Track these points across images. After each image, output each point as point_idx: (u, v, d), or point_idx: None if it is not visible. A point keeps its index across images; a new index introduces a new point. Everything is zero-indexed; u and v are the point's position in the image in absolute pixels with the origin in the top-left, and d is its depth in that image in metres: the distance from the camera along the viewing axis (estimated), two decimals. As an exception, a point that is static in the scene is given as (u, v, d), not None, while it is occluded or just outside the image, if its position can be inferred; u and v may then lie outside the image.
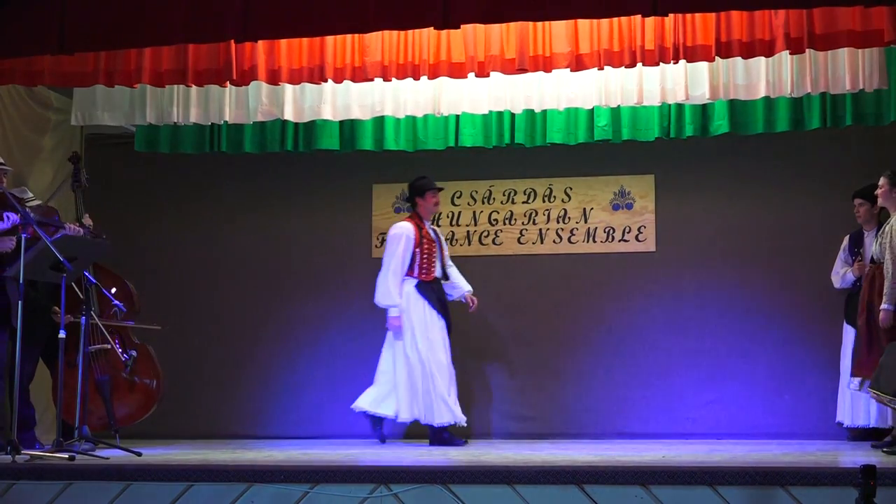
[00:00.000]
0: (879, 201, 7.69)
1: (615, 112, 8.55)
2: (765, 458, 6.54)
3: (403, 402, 8.24)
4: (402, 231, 8.39)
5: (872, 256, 7.64)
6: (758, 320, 8.94)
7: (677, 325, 9.00)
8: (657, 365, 9.03)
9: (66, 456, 6.39)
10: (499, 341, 9.36)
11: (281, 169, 9.72)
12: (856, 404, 8.22)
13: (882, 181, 7.63)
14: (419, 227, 8.43)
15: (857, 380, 7.61)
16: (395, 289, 8.31)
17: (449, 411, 8.17)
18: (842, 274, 8.40)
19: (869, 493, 4.80)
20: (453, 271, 8.67)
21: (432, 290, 8.40)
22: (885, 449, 6.94)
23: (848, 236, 8.50)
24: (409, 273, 8.37)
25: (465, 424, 8.31)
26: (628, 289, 9.18)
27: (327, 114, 8.43)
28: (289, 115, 8.42)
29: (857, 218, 8.34)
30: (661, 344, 9.05)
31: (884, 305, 7.26)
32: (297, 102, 8.41)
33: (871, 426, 8.17)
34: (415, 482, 5.61)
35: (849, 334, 8.23)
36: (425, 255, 8.40)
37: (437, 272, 8.48)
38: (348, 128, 8.90)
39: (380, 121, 8.80)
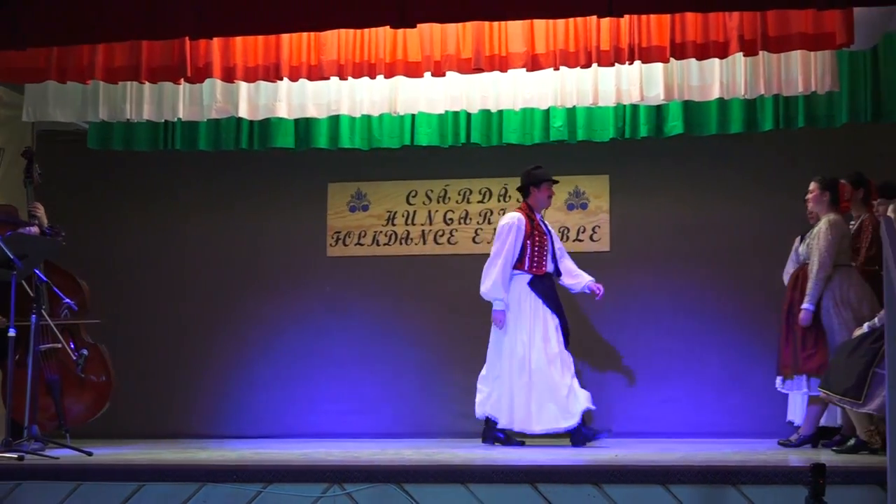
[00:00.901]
0: (810, 206, 7.82)
1: (571, 112, 8.58)
2: (716, 456, 6.59)
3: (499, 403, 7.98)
4: (513, 221, 8.08)
5: (800, 257, 7.78)
6: (710, 320, 8.99)
7: (630, 325, 9.05)
8: (610, 364, 9.07)
9: (15, 456, 6.33)
10: (454, 340, 9.35)
11: (236, 167, 9.67)
12: (805, 403, 8.29)
13: (812, 186, 7.79)
14: (530, 219, 8.11)
15: (779, 378, 7.72)
16: (503, 281, 7.98)
17: (508, 413, 7.90)
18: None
19: (818, 491, 4.85)
20: (570, 264, 8.29)
21: (546, 286, 8.07)
22: (834, 447, 7.02)
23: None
24: (519, 266, 8.06)
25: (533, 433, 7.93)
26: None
27: (282, 112, 8.39)
28: (244, 112, 8.38)
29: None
30: (615, 343, 9.10)
31: (804, 305, 7.48)
32: (251, 100, 8.36)
33: (820, 425, 8.25)
34: (368, 481, 5.61)
35: None
36: (536, 248, 8.06)
37: (549, 267, 8.13)
38: (303, 126, 8.87)
39: (335, 119, 8.78)
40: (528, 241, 8.04)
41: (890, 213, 6.79)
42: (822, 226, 7.61)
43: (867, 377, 6.51)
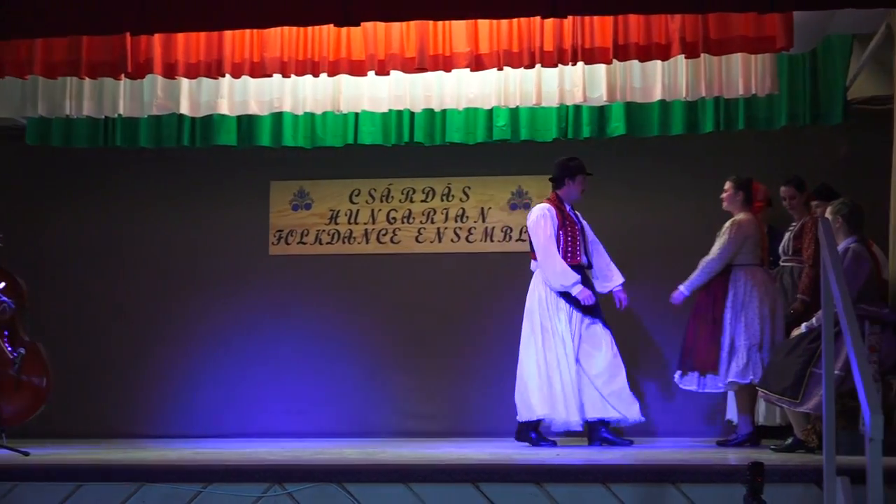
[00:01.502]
0: (724, 205, 7.93)
1: (514, 112, 8.60)
2: (656, 455, 6.63)
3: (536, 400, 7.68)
4: (543, 211, 7.85)
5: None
6: (653, 319, 9.06)
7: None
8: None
9: (-50, 456, 6.23)
10: (397, 340, 9.35)
11: (177, 164, 9.59)
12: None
13: (727, 185, 7.89)
14: (560, 209, 7.89)
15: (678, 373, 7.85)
16: (564, 265, 7.68)
17: (533, 407, 7.65)
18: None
19: (756, 490, 4.89)
20: (601, 260, 8.02)
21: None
22: (772, 446, 7.09)
23: None
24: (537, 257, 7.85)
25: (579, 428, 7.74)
26: (525, 289, 9.21)
27: (224, 109, 8.32)
28: (185, 109, 8.30)
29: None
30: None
31: (680, 287, 7.86)
32: (193, 97, 8.29)
33: (758, 423, 8.35)
34: (309, 481, 5.58)
35: None
36: (569, 238, 7.82)
37: (583, 258, 7.89)
38: (246, 123, 8.82)
39: (278, 117, 8.73)
40: (561, 232, 7.80)
41: (828, 215, 6.87)
42: (727, 223, 7.82)
43: (804, 377, 6.58)
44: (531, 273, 8.05)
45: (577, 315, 7.73)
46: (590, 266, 7.98)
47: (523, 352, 7.81)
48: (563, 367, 7.64)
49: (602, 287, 7.99)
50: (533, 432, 7.74)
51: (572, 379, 7.62)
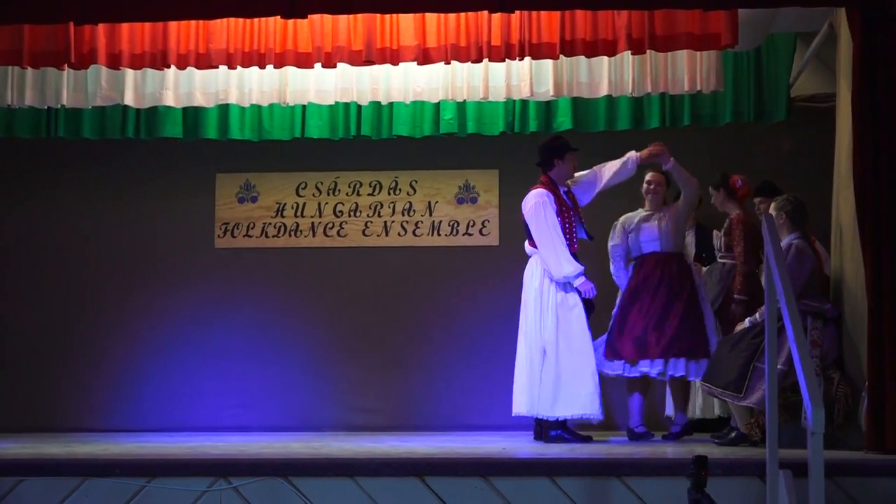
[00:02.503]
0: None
1: (461, 106, 8.61)
2: (601, 449, 6.67)
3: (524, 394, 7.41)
4: (541, 198, 7.48)
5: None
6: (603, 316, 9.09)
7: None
8: (499, 358, 9.09)
9: None
10: (343, 333, 9.33)
11: (122, 156, 9.50)
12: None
13: (654, 176, 7.92)
14: (555, 193, 7.57)
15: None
16: (568, 254, 7.37)
17: (569, 405, 7.31)
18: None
19: (700, 483, 4.93)
20: (593, 176, 7.77)
21: None
22: (716, 440, 7.15)
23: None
24: (535, 244, 7.56)
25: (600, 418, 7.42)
26: (471, 282, 9.26)
27: (170, 100, 8.24)
28: (129, 100, 8.21)
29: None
30: (504, 337, 9.12)
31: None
32: (138, 88, 8.20)
33: (696, 417, 8.44)
34: (255, 475, 5.55)
35: None
36: (566, 224, 7.53)
37: (581, 236, 7.69)
38: (191, 115, 8.75)
39: (224, 109, 8.67)
40: (559, 218, 7.50)
41: (771, 211, 6.93)
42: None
43: (748, 371, 6.63)
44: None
45: (579, 307, 7.43)
46: (586, 234, 7.78)
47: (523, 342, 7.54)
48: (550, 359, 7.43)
49: (612, 178, 7.80)
50: (558, 430, 7.40)
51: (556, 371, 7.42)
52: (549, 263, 7.45)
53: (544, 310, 7.46)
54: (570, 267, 7.42)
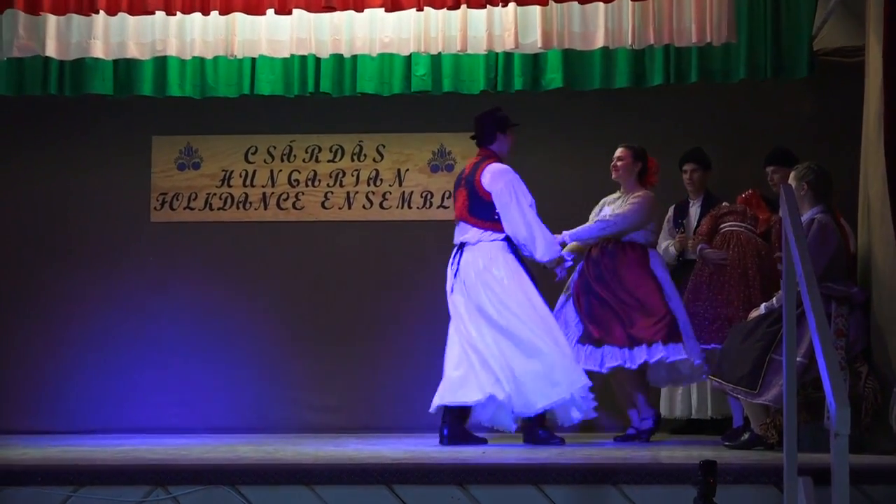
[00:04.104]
0: (616, 174, 8.02)
1: (435, 60, 8.60)
2: (594, 453, 6.70)
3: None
4: (512, 172, 7.61)
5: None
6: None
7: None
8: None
9: None
10: (299, 321, 9.34)
11: (42, 115, 9.47)
12: (672, 394, 8.58)
13: (624, 152, 7.97)
14: None
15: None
16: (549, 234, 7.58)
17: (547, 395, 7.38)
18: (664, 248, 8.72)
19: (708, 491, 4.96)
20: None
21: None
22: (726, 443, 7.19)
23: (673, 206, 8.82)
24: (493, 226, 7.58)
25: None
26: (445, 261, 9.24)
27: (98, 52, 8.21)
28: (51, 51, 8.17)
29: (688, 185, 8.66)
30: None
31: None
32: (61, 37, 8.16)
33: (690, 417, 8.52)
34: (198, 483, 5.55)
35: None
36: None
37: None
38: (124, 69, 8.71)
39: (161, 62, 8.64)
40: None
41: (791, 181, 6.96)
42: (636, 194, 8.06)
43: (763, 365, 6.66)
44: (451, 245, 7.92)
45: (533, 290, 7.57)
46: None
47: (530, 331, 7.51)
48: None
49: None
50: (543, 430, 7.49)
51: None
52: (534, 245, 7.54)
53: (511, 300, 7.48)
54: (556, 246, 7.62)
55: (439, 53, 8.42)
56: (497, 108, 7.95)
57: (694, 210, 8.69)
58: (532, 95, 8.86)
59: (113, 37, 8.22)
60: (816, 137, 8.77)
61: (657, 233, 8.26)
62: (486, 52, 8.38)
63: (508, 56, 8.57)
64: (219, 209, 9.54)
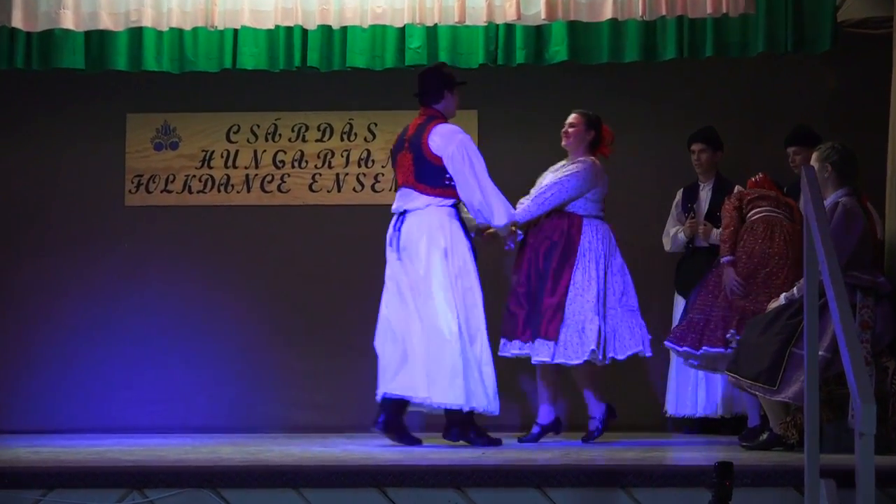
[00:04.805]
0: (566, 142, 7.98)
1: (431, 32, 8.59)
2: (601, 454, 6.71)
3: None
4: (459, 129, 7.56)
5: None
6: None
7: (494, 293, 9.09)
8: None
9: None
10: (285, 313, 9.34)
11: (8, 91, 9.46)
12: (682, 391, 8.59)
13: (577, 118, 7.99)
14: None
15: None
16: (503, 196, 7.54)
17: (486, 396, 7.36)
18: (672, 234, 8.74)
19: (724, 495, 4.97)
20: None
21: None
22: (743, 443, 7.20)
23: (681, 190, 8.84)
24: (443, 192, 7.47)
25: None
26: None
27: (69, 22, 8.21)
28: (18, 22, 8.17)
29: (696, 166, 8.69)
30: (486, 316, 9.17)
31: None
32: (28, 6, 8.17)
33: (698, 415, 8.54)
34: (176, 486, 5.56)
35: (679, 306, 8.62)
36: None
37: None
38: (96, 41, 8.68)
39: (136, 34, 8.60)
40: None
41: (813, 162, 6.95)
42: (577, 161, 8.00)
43: (783, 359, 6.66)
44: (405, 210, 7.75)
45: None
46: None
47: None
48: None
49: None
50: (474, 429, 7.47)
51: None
52: (492, 210, 7.49)
53: (463, 274, 7.43)
54: (511, 209, 7.63)
55: (435, 25, 8.41)
56: (442, 64, 7.98)
57: (704, 194, 8.72)
58: (535, 70, 8.86)
59: (84, 6, 8.22)
60: (841, 115, 8.78)
61: (600, 202, 8.02)
62: (485, 24, 8.37)
63: (510, 28, 8.55)
64: (198, 192, 9.54)
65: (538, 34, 8.59)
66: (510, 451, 7.00)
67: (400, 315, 7.46)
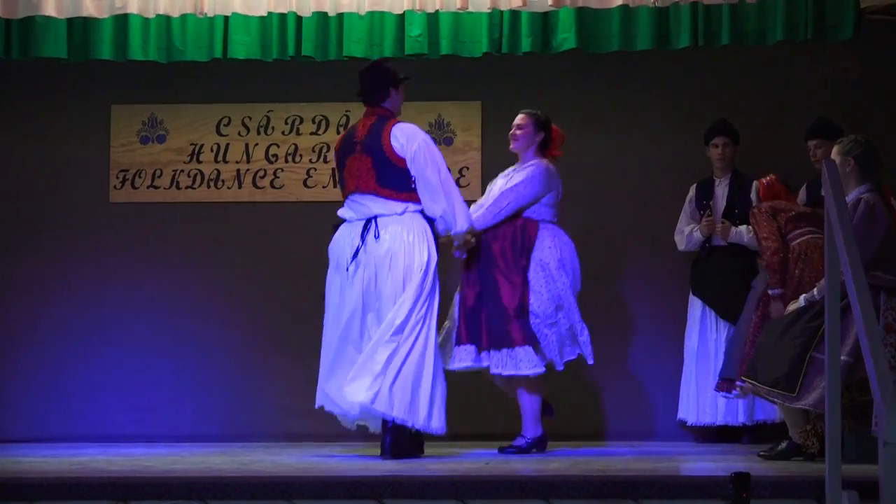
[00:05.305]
0: (514, 145, 7.93)
1: (432, 19, 8.58)
2: (612, 464, 6.71)
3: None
4: (418, 128, 7.55)
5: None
6: (608, 291, 9.14)
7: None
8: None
9: None
10: (279, 316, 9.34)
11: (-13, 82, 9.48)
12: (701, 398, 8.59)
13: (525, 119, 7.88)
14: None
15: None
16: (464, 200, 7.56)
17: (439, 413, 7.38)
18: (687, 233, 8.73)
19: (740, 507, 4.98)
20: None
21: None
22: (761, 453, 7.20)
23: (695, 185, 8.84)
24: (409, 197, 7.43)
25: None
26: (447, 246, 9.25)
27: (50, 9, 8.22)
28: (-3, 9, 8.19)
29: (718, 161, 8.70)
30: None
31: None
32: (9, -8, 8.20)
33: (717, 424, 8.54)
34: (164, 498, 5.57)
35: (695, 309, 8.62)
36: None
37: None
38: (80, 29, 8.68)
39: (122, 21, 8.60)
40: None
41: (834, 156, 6.95)
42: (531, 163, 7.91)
43: (803, 364, 6.66)
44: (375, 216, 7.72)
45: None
46: None
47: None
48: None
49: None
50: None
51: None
52: (454, 215, 7.44)
53: (427, 284, 7.40)
54: (471, 215, 7.60)
55: (436, 11, 8.41)
56: (385, 60, 7.97)
57: (720, 190, 8.72)
58: (541, 59, 8.85)
59: (67, -8, 8.23)
60: (863, 107, 8.77)
61: (554, 207, 7.96)
62: (489, 10, 8.37)
63: (515, 14, 8.54)
64: (187, 188, 9.54)
65: (545, 21, 8.58)
66: (516, 462, 6.99)
67: (355, 331, 7.48)
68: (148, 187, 9.55)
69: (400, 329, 7.26)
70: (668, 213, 8.92)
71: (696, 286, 8.76)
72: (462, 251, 7.70)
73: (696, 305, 8.74)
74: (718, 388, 8.21)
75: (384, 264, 7.36)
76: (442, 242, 7.60)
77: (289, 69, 9.14)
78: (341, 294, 7.52)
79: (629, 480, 5.60)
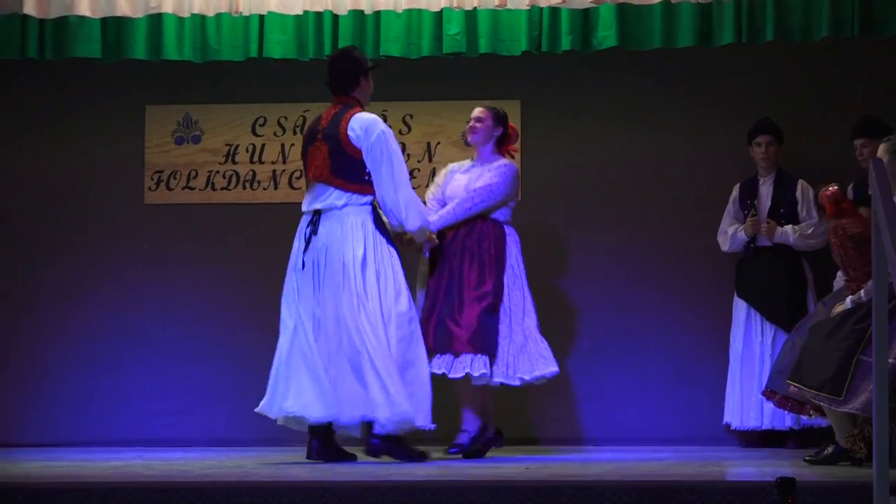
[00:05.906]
0: (472, 138, 7.91)
1: (471, 17, 8.58)
2: (655, 469, 6.69)
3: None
4: (379, 119, 7.48)
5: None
6: (648, 292, 9.12)
7: (542, 298, 9.09)
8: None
9: None
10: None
11: (21, 82, 9.53)
12: (746, 402, 8.57)
13: (483, 112, 7.86)
14: None
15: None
16: (419, 199, 7.59)
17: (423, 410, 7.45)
18: (731, 233, 8.70)
19: (786, 513, 4.97)
20: None
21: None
22: (806, 457, 7.17)
23: (738, 184, 8.81)
24: (360, 189, 7.36)
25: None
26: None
27: (84, 9, 8.26)
28: (30, 8, 8.23)
29: (762, 160, 8.67)
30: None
31: None
32: (42, -7, 8.24)
33: (762, 428, 8.51)
34: (201, 503, 5.58)
35: (740, 311, 8.59)
36: None
37: None
38: (114, 29, 8.72)
39: (157, 21, 8.64)
40: None
41: (881, 154, 6.92)
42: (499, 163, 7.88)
43: (849, 367, 6.63)
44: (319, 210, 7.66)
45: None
46: None
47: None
48: None
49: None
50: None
51: None
52: (402, 212, 7.39)
53: (388, 278, 7.37)
54: (427, 215, 7.61)
55: (475, 9, 8.41)
56: (353, 48, 7.91)
57: (765, 189, 8.70)
58: (582, 57, 8.84)
59: (101, -9, 8.27)
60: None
61: (513, 209, 7.96)
62: (528, 7, 8.37)
63: (555, 11, 8.54)
64: (222, 189, 9.57)
65: (585, 18, 8.57)
66: (556, 466, 6.98)
67: (308, 336, 7.50)
68: (183, 188, 9.58)
69: (357, 331, 7.24)
70: (712, 214, 8.89)
71: (741, 288, 8.74)
72: (426, 249, 7.73)
73: (740, 308, 8.71)
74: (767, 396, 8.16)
75: (321, 261, 7.38)
76: (406, 240, 7.60)
77: (325, 68, 9.14)
78: (299, 293, 7.54)
79: (671, 486, 5.59)
